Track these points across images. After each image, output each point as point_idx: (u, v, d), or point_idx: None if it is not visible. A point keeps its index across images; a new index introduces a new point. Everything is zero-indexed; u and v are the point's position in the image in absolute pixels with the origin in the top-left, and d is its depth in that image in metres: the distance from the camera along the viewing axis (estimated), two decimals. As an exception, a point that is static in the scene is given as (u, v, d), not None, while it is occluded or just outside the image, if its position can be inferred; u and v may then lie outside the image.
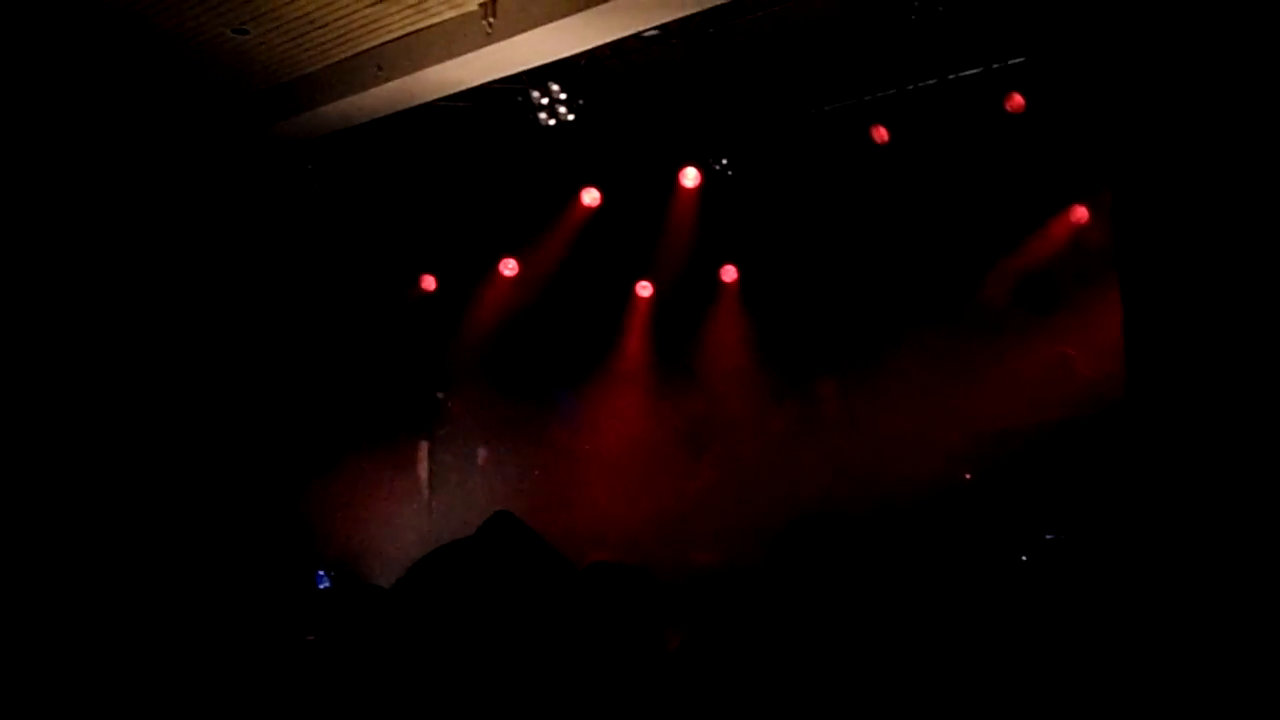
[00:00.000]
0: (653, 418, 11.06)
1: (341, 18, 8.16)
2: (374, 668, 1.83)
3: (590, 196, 11.17)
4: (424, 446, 10.89)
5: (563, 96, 9.13)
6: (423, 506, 10.59)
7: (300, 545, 3.86)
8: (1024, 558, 7.72)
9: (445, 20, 8.22)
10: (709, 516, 10.00)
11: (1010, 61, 9.00)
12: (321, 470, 9.52)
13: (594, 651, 1.96)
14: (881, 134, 9.68)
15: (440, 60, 8.34)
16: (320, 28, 8.29)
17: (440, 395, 10.99)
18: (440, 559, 1.82)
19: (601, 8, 7.50)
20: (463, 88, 8.86)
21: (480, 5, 7.95)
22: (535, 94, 9.15)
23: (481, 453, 10.97)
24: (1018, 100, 9.12)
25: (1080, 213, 9.66)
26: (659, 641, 2.15)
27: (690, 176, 10.74)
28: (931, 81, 9.36)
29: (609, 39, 8.20)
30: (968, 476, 8.90)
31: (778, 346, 10.76)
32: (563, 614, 1.88)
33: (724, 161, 10.56)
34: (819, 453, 10.01)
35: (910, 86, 9.46)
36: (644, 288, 11.80)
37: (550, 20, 7.74)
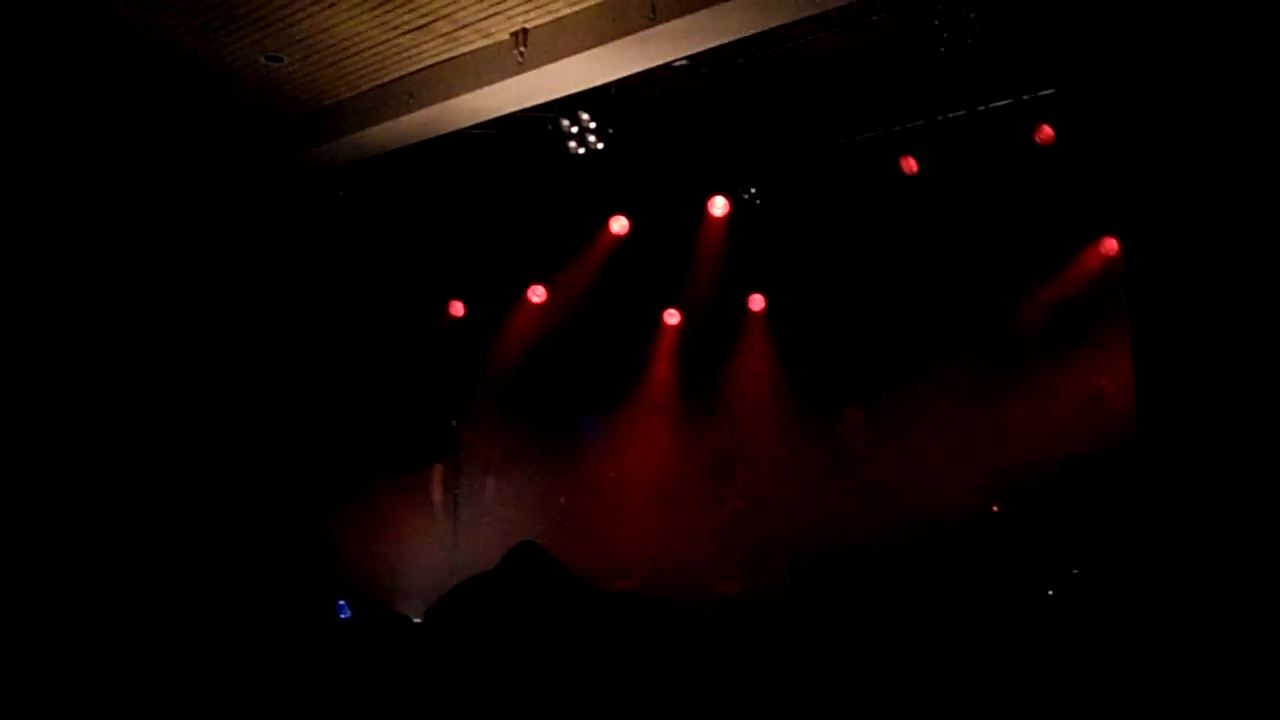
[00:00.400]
0: (679, 446, 11.04)
1: (374, 46, 8.22)
2: (407, 697, 1.83)
3: (619, 224, 11.21)
4: (449, 473, 10.88)
5: (592, 125, 9.17)
6: (447, 534, 10.57)
7: (324, 574, 3.87)
8: (1050, 592, 7.66)
9: (477, 49, 8.27)
10: (734, 546, 9.95)
11: (1040, 93, 8.99)
12: (345, 497, 9.53)
13: (617, 683, 1.96)
14: (911, 165, 9.67)
15: (471, 89, 8.39)
16: (353, 56, 8.36)
17: (455, 423, 10.95)
18: (468, 591, 1.82)
19: (632, 38, 7.54)
20: (493, 116, 8.91)
21: (511, 35, 8.00)
22: (565, 122, 9.20)
23: (506, 481, 10.94)
24: (1047, 132, 9.11)
25: (1110, 244, 9.61)
26: (681, 675, 2.14)
27: (719, 205, 10.77)
28: (961, 113, 9.35)
29: (639, 69, 8.23)
30: (995, 508, 8.84)
31: (805, 376, 10.73)
32: (587, 646, 1.88)
33: (752, 191, 10.57)
34: (845, 483, 9.97)
35: (940, 117, 9.46)
36: (672, 316, 11.82)
37: (580, 50, 7.79)
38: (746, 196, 10.61)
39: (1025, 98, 9.04)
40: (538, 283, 11.59)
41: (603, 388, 11.45)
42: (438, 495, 10.78)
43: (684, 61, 8.46)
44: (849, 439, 10.47)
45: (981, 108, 9.24)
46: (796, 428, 10.57)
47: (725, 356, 11.45)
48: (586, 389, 11.48)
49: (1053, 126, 9.10)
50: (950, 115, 9.41)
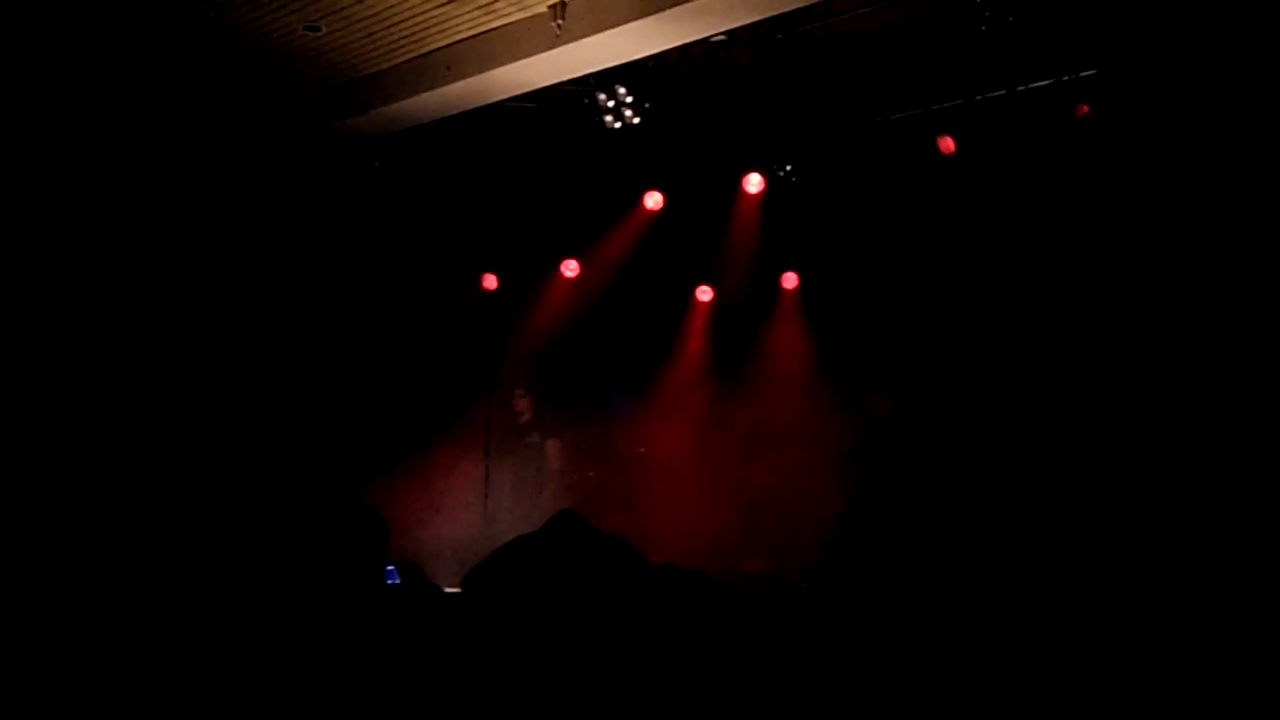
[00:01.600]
0: (709, 423, 11.03)
1: (412, 17, 8.22)
2: (455, 655, 1.84)
3: (653, 200, 11.18)
4: (482, 447, 10.89)
5: (629, 99, 9.16)
6: (479, 507, 10.61)
7: (376, 544, 3.92)
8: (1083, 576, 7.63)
9: (514, 21, 8.26)
10: (762, 525, 9.94)
11: (1081, 74, 8.90)
12: (377, 468, 9.58)
13: (662, 649, 1.96)
14: (948, 144, 9.60)
15: (508, 61, 8.39)
16: (391, 26, 8.36)
17: (487, 395, 10.95)
18: (511, 554, 1.83)
19: (670, 12, 7.51)
20: (530, 89, 8.91)
21: (549, 7, 7.98)
22: (602, 96, 9.19)
23: (537, 455, 10.95)
24: (1086, 112, 9.02)
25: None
26: (726, 647, 2.15)
27: (754, 182, 10.73)
28: (1000, 92, 9.27)
29: (677, 43, 8.21)
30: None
31: (837, 355, 10.69)
32: (633, 613, 1.89)
33: (788, 168, 10.53)
34: (874, 464, 9.93)
35: (978, 97, 9.38)
36: (704, 292, 11.79)
37: (619, 24, 7.76)
38: (782, 174, 10.57)
39: (1066, 78, 8.95)
40: (571, 257, 11.59)
41: (634, 363, 11.45)
42: (474, 467, 10.78)
43: (722, 36, 8.42)
44: (879, 419, 10.41)
45: (1021, 88, 9.16)
46: (827, 407, 10.54)
47: (757, 334, 11.42)
48: (618, 364, 11.48)
49: (1092, 108, 9.00)
50: (989, 95, 9.33)
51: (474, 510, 10.55)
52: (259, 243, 10.16)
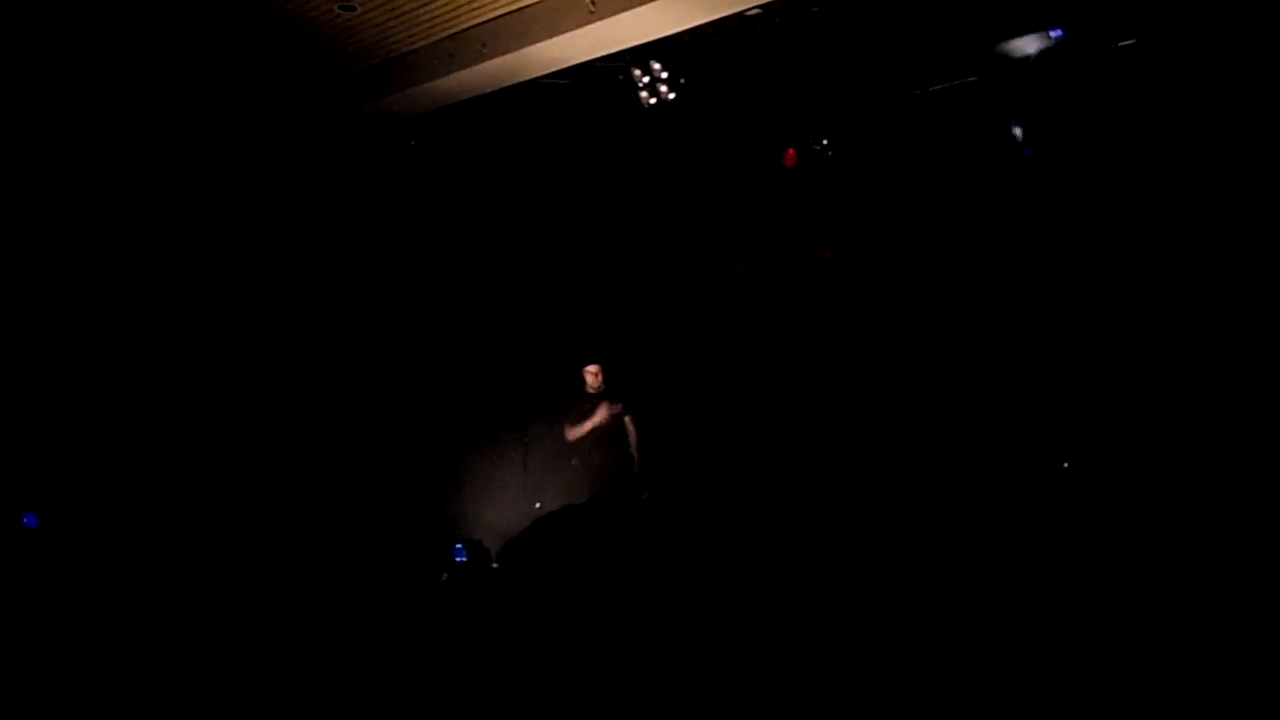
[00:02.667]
0: (748, 399, 11.03)
1: (446, -5, 8.25)
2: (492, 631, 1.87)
3: (691, 176, 11.16)
4: (519, 423, 10.92)
5: (664, 75, 9.14)
6: (516, 482, 10.64)
7: (441, 523, 4.06)
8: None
9: (549, -2, 8.27)
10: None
11: (1121, 43, 8.81)
12: (431, 450, 9.68)
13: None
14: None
15: (543, 38, 8.38)
16: (425, 5, 8.37)
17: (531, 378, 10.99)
18: (557, 521, 1.86)
19: (704, -14, 7.50)
20: (564, 66, 8.90)
21: (584, -17, 7.98)
22: (637, 72, 9.17)
23: (577, 430, 10.96)
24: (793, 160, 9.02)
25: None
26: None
27: (790, 157, 10.69)
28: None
29: (711, 18, 8.18)
30: (1065, 465, 8.79)
31: (876, 331, 10.66)
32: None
33: (825, 142, 10.48)
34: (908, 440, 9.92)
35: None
36: (741, 268, 11.76)
37: (652, -1, 7.75)
38: (818, 148, 10.53)
39: (1106, 48, 8.86)
40: (608, 233, 11.58)
41: (672, 340, 11.45)
42: (518, 446, 10.81)
43: (757, 10, 8.38)
44: (917, 395, 10.37)
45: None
46: (866, 383, 10.52)
47: (795, 310, 11.39)
48: (656, 341, 11.48)
49: (1133, 78, 8.91)
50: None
51: (511, 485, 10.58)
52: (294, 224, 10.21)
